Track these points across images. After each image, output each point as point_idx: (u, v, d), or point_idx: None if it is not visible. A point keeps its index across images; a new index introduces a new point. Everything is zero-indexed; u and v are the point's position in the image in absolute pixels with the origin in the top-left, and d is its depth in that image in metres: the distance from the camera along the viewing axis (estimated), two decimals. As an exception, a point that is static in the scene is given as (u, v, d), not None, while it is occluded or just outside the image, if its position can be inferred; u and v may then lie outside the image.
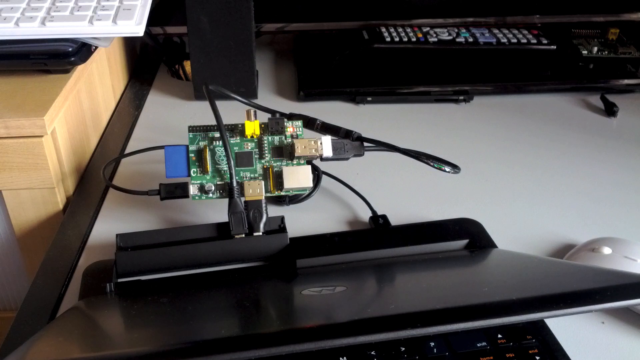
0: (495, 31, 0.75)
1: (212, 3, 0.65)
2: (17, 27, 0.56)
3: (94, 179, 0.60)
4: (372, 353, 0.38)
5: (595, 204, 0.54)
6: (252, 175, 0.49)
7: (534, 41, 0.74)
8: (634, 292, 0.36)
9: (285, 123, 0.50)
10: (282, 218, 0.49)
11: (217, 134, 0.50)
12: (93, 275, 0.46)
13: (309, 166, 0.49)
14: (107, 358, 0.33)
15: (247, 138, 0.50)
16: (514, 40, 0.73)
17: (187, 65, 0.78)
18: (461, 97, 0.70)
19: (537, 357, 0.38)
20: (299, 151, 0.49)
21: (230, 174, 0.48)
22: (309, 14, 0.79)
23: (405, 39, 0.73)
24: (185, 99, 0.72)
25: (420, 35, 0.74)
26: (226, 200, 0.48)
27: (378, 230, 0.51)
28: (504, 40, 0.73)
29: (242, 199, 0.48)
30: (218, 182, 0.49)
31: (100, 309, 0.43)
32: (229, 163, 0.48)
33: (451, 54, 0.73)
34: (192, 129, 0.50)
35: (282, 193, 0.49)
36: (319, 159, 0.50)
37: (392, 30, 0.75)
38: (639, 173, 0.59)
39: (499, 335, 0.39)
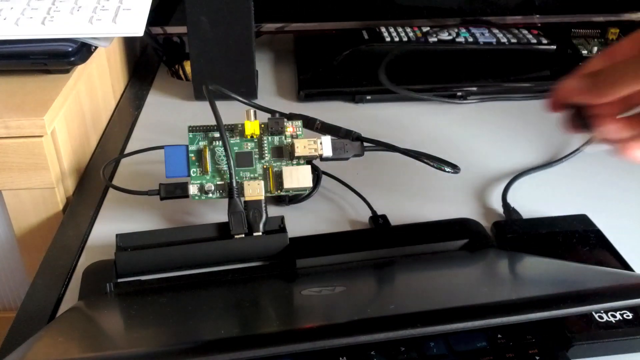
0: (495, 31, 0.75)
1: (212, 3, 0.65)
2: (17, 27, 0.56)
3: (94, 179, 0.60)
4: (372, 353, 0.38)
5: (595, 204, 0.54)
6: (252, 175, 0.49)
7: (534, 41, 0.74)
8: (634, 292, 0.36)
9: (285, 123, 0.50)
10: (282, 218, 0.49)
11: (217, 134, 0.50)
12: (93, 275, 0.46)
13: (309, 166, 0.49)
14: (107, 358, 0.33)
15: (247, 138, 0.50)
16: (514, 40, 0.73)
17: (187, 65, 0.78)
18: (461, 96, 0.70)
19: (537, 357, 0.38)
20: (299, 151, 0.49)
21: (230, 174, 0.48)
22: (309, 14, 0.79)
23: (405, 39, 0.73)
24: (185, 99, 0.72)
25: (420, 35, 0.74)
26: (226, 200, 0.48)
27: (378, 230, 0.51)
28: (504, 40, 0.73)
29: (242, 199, 0.48)
30: (218, 182, 0.49)
31: (100, 309, 0.43)
32: (228, 163, 0.48)
33: (451, 54, 0.73)
34: (192, 129, 0.50)
35: (282, 193, 0.49)
36: (319, 159, 0.50)
37: (392, 30, 0.75)
38: (639, 172, 0.59)
39: (499, 335, 0.39)
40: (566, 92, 0.44)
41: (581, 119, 0.45)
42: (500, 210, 0.53)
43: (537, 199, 0.54)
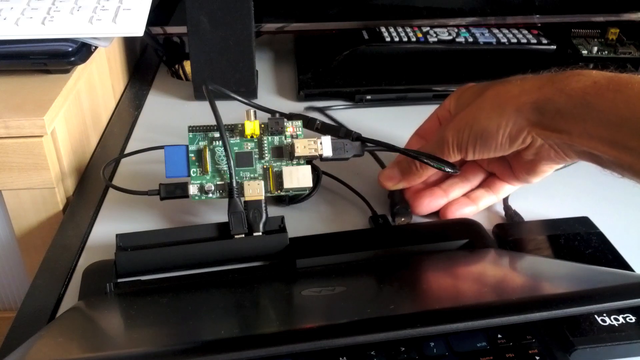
0: (495, 31, 0.75)
1: (212, 3, 0.65)
2: (17, 27, 0.56)
3: (94, 179, 0.60)
4: (372, 353, 0.38)
5: (597, 206, 0.54)
6: (252, 175, 0.49)
7: (534, 41, 0.74)
8: (634, 292, 0.36)
9: (285, 123, 0.50)
10: (282, 218, 0.49)
11: (217, 134, 0.50)
12: (93, 275, 0.46)
13: (309, 166, 0.49)
14: (107, 358, 0.33)
15: (247, 138, 0.50)
16: (514, 40, 0.73)
17: (187, 65, 0.78)
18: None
19: (537, 357, 0.38)
20: (299, 151, 0.49)
21: (230, 174, 0.48)
22: (309, 14, 0.79)
23: (405, 39, 0.73)
24: (185, 99, 0.72)
25: (420, 35, 0.74)
26: (226, 200, 0.48)
27: (378, 230, 0.51)
28: (504, 40, 0.73)
29: (242, 199, 0.48)
30: (218, 182, 0.49)
31: (100, 309, 0.43)
32: (228, 163, 0.48)
33: (451, 54, 0.73)
34: (192, 129, 0.50)
35: (282, 193, 0.49)
36: (319, 159, 0.50)
37: (392, 30, 0.75)
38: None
39: (499, 335, 0.39)
40: (386, 181, 0.53)
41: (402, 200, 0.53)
42: (502, 212, 0.53)
43: (538, 202, 0.54)
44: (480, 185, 0.54)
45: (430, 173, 0.52)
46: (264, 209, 0.48)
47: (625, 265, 0.46)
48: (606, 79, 0.42)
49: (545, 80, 0.45)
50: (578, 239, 0.48)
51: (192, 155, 0.49)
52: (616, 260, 0.46)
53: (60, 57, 0.57)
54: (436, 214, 0.53)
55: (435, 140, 0.51)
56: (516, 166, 0.51)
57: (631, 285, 0.37)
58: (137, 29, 0.57)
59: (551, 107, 0.44)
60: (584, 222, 0.50)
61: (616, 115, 0.41)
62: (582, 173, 0.58)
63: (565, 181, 0.57)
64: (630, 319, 0.40)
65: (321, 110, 0.68)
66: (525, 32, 0.75)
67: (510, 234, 0.49)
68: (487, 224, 0.51)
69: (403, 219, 0.52)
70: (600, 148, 0.42)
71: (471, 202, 0.53)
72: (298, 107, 0.70)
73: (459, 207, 0.52)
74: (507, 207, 0.53)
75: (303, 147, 0.49)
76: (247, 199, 0.48)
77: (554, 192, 0.56)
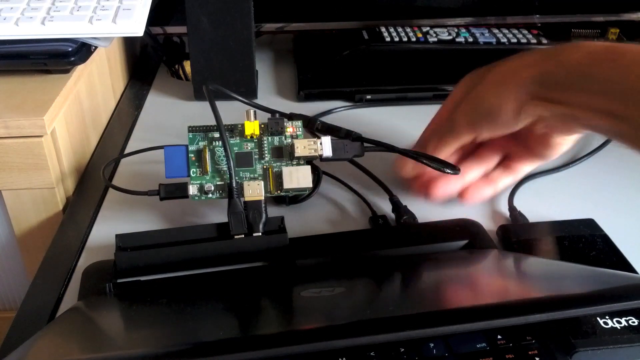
0: (495, 31, 0.75)
1: (212, 3, 0.65)
2: (17, 27, 0.56)
3: (94, 179, 0.60)
4: (372, 354, 0.38)
5: (602, 208, 0.54)
6: (251, 176, 0.49)
7: (534, 41, 0.74)
8: (635, 293, 0.36)
9: (285, 123, 0.50)
10: (282, 218, 0.49)
11: (217, 134, 0.50)
12: (93, 276, 0.46)
13: (309, 166, 0.49)
14: (106, 359, 0.33)
15: (247, 138, 0.50)
16: (514, 40, 0.73)
17: (187, 65, 0.78)
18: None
19: (537, 358, 0.38)
20: (298, 151, 0.49)
21: (230, 174, 0.48)
22: (309, 14, 0.79)
23: (405, 39, 0.73)
24: (185, 99, 0.72)
25: (420, 35, 0.74)
26: (226, 201, 0.48)
27: (378, 231, 0.51)
28: (504, 40, 0.73)
29: (242, 200, 0.48)
30: (218, 183, 0.49)
31: (99, 310, 0.43)
32: (228, 163, 0.48)
33: (451, 54, 0.73)
34: (191, 129, 0.50)
35: (282, 193, 0.49)
36: (319, 159, 0.50)
37: (392, 30, 0.75)
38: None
39: (499, 336, 0.39)
40: (407, 171, 0.54)
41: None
42: (507, 214, 0.53)
43: (543, 203, 0.54)
44: (497, 166, 0.54)
45: (449, 150, 0.51)
46: (263, 209, 0.48)
47: (630, 268, 0.46)
48: (601, 49, 0.43)
49: (544, 53, 0.46)
50: (583, 241, 0.48)
51: (192, 155, 0.49)
52: (621, 262, 0.46)
53: (60, 57, 0.57)
54: (443, 215, 0.53)
55: (447, 123, 0.51)
56: (531, 142, 0.51)
57: (632, 287, 0.37)
58: (137, 29, 0.57)
59: (550, 80, 0.44)
60: (589, 224, 0.50)
61: (610, 84, 0.41)
62: (589, 175, 0.58)
63: (571, 183, 0.57)
64: (633, 322, 0.40)
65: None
66: (525, 32, 0.75)
67: (515, 235, 0.49)
68: (492, 225, 0.51)
69: None
70: (598, 118, 0.42)
71: (489, 183, 0.53)
72: (298, 107, 0.70)
73: (477, 189, 0.52)
74: (512, 208, 0.53)
75: (303, 147, 0.49)
76: (247, 199, 0.48)
77: (559, 193, 0.56)
